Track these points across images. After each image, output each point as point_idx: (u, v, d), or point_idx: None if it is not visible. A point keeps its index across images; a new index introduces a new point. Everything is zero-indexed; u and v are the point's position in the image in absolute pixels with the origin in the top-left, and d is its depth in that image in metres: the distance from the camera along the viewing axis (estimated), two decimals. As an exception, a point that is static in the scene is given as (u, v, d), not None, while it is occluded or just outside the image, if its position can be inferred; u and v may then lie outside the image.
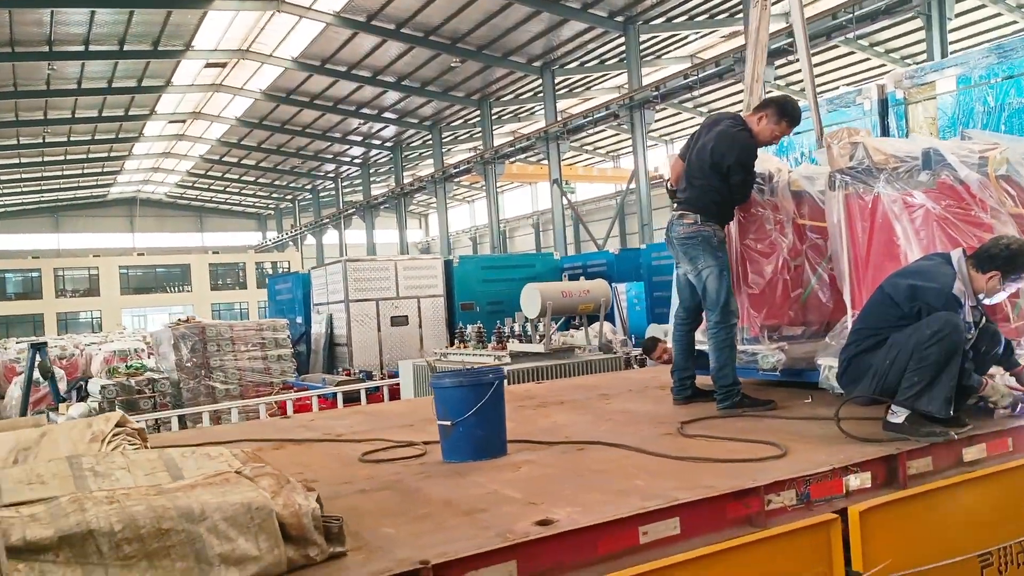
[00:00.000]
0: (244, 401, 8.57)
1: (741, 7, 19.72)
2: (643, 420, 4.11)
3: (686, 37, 24.04)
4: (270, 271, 47.95)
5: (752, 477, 2.77)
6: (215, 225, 55.29)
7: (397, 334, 12.13)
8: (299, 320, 13.84)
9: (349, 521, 2.37)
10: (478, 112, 29.17)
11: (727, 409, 4.14)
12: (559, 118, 24.64)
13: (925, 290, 3.40)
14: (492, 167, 26.27)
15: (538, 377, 6.97)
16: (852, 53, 22.99)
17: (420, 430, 4.19)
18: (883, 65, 24.23)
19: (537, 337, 7.63)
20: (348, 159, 39.16)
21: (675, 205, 4.49)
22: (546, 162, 24.35)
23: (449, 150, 34.22)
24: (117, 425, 2.77)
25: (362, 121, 32.25)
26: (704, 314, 4.38)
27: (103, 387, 9.58)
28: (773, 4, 5.29)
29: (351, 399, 8.53)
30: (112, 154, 38.66)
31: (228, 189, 49.22)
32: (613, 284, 9.45)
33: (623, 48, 22.83)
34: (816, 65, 20.25)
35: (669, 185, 4.79)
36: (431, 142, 32.96)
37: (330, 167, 41.02)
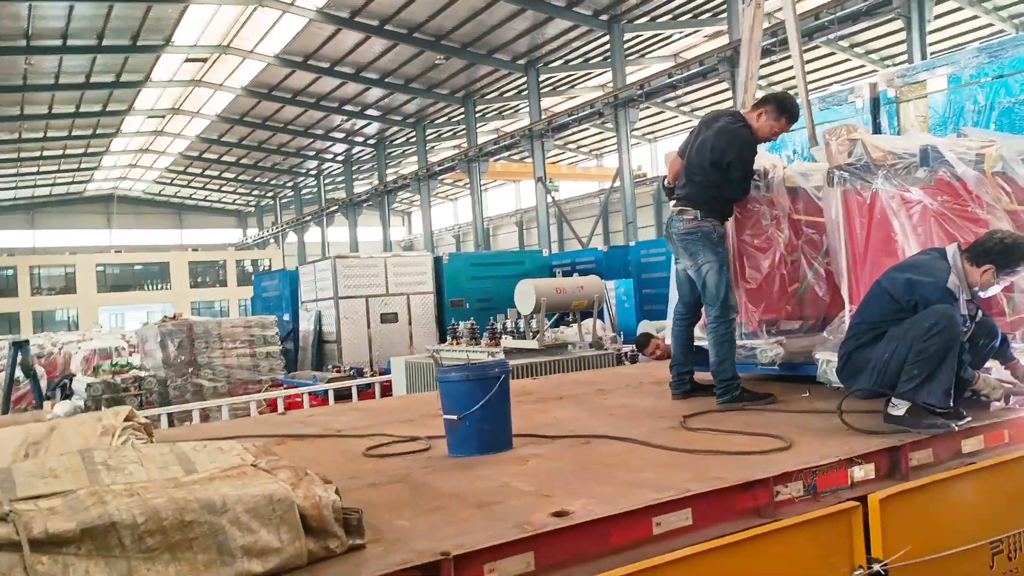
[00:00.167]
0: (234, 399, 8.51)
1: (724, 7, 19.87)
2: (644, 414, 4.13)
3: (670, 36, 24.18)
4: (251, 269, 47.55)
5: (760, 469, 2.80)
6: (195, 222, 54.72)
7: (387, 331, 12.10)
8: (286, 317, 13.76)
9: (363, 514, 2.37)
10: (462, 109, 29.14)
11: (727, 403, 4.17)
12: (543, 116, 24.68)
13: (921, 284, 3.46)
14: (476, 165, 26.25)
15: (532, 373, 6.99)
16: (833, 54, 23.25)
17: (421, 425, 4.18)
18: (863, 66, 24.54)
19: (530, 333, 7.66)
20: (330, 156, 38.95)
21: (674, 202, 4.52)
22: (530, 160, 24.39)
23: (433, 147, 34.15)
24: (125, 419, 2.75)
25: (345, 118, 32.10)
26: (704, 309, 4.42)
27: (89, 385, 9.46)
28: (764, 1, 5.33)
29: (342, 396, 8.50)
30: (89, 150, 38.17)
31: (208, 186, 48.76)
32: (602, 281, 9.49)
33: (607, 47, 22.92)
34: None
35: (666, 183, 4.82)
36: (415, 139, 32.88)
37: (312, 164, 40.77)
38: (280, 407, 7.86)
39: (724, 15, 20.06)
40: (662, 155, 36.03)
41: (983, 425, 3.33)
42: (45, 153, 37.08)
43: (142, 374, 10.15)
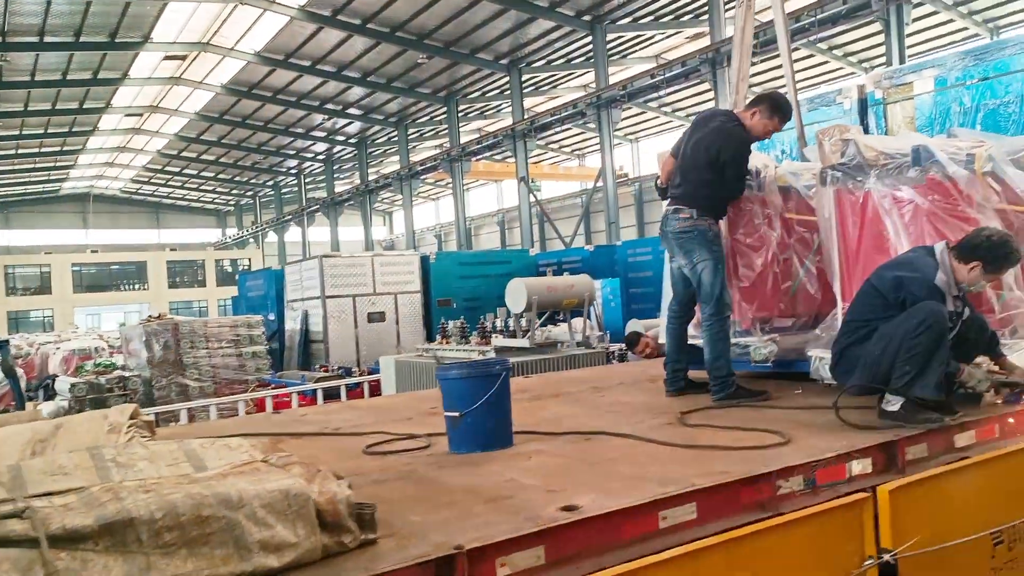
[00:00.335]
0: (222, 399, 8.44)
1: (706, 9, 20.03)
2: (641, 411, 4.16)
3: (652, 37, 24.32)
4: (230, 269, 47.15)
5: (762, 464, 2.84)
6: (173, 222, 54.15)
7: (374, 330, 12.08)
8: (271, 317, 13.68)
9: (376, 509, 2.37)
10: (444, 109, 29.10)
11: (722, 399, 4.22)
12: (526, 116, 24.73)
13: (909, 280, 3.52)
14: (459, 165, 26.26)
15: (523, 371, 7.01)
16: (812, 56, 23.50)
17: (419, 423, 4.19)
18: (841, 68, 24.85)
19: (520, 332, 7.68)
20: (311, 155, 38.74)
21: (668, 200, 4.56)
22: (512, 160, 24.43)
23: (415, 147, 34.08)
24: (130, 417, 2.73)
25: (326, 117, 31.95)
26: (699, 307, 4.46)
27: (73, 385, 9.35)
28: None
29: (331, 396, 8.47)
30: (65, 148, 37.66)
31: (187, 185, 48.27)
32: (589, 280, 9.53)
33: (590, 47, 23.02)
34: (778, 67, 20.68)
35: (659, 182, 4.87)
36: (396, 139, 32.78)
37: (293, 163, 40.52)
38: (269, 407, 7.82)
39: (705, 17, 20.22)
40: (643, 155, 36.00)
41: (975, 420, 3.40)
42: (20, 151, 36.53)
43: (126, 374, 10.05)
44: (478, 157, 26.76)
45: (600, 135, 21.33)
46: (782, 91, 4.78)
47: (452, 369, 3.49)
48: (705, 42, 20.03)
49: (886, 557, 2.50)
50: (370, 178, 34.14)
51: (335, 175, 39.12)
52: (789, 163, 5.19)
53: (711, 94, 19.15)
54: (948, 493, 2.87)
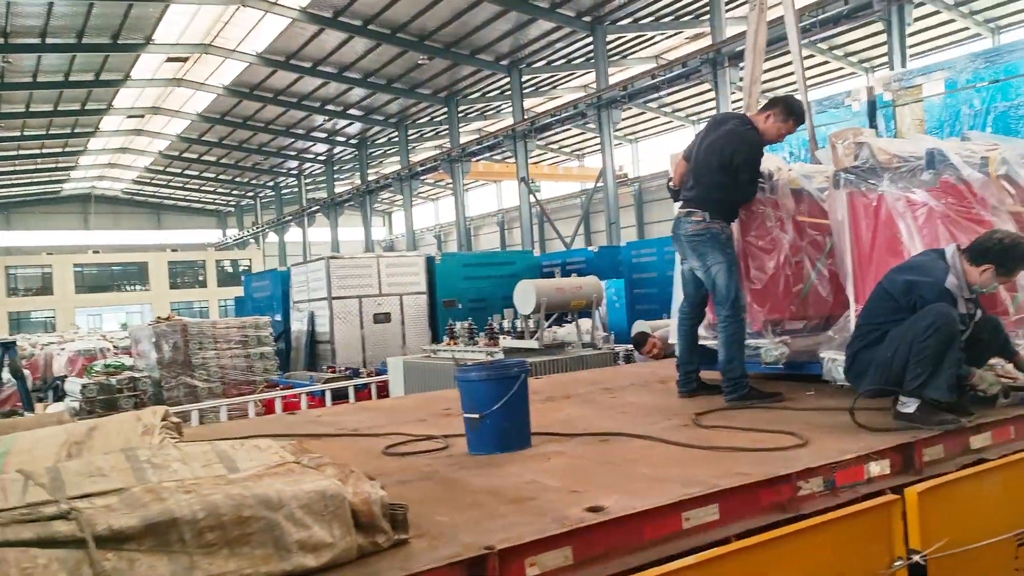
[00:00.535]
0: (233, 399, 8.46)
1: (707, 9, 20.07)
2: (655, 412, 4.19)
3: (652, 38, 24.35)
4: (231, 269, 47.16)
5: (782, 465, 2.87)
6: (174, 222, 54.16)
7: (380, 331, 12.12)
8: (278, 318, 13.71)
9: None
10: (445, 110, 29.12)
11: (736, 401, 4.25)
12: (526, 117, 24.75)
13: (920, 284, 3.55)
14: (459, 165, 26.27)
15: (532, 373, 7.01)
16: (812, 56, 23.53)
17: (435, 424, 4.21)
18: (841, 68, 24.90)
19: (528, 333, 7.71)
20: (312, 156, 38.75)
21: (680, 203, 4.60)
22: (512, 160, 24.45)
23: (415, 148, 34.09)
24: (162, 419, 2.77)
25: (326, 118, 31.97)
26: (713, 309, 4.50)
27: (83, 386, 9.38)
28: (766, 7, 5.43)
29: (339, 397, 8.49)
30: (67, 149, 37.67)
31: (188, 186, 48.28)
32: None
33: (590, 48, 23.04)
34: (781, 67, 20.73)
35: (671, 185, 4.90)
36: (397, 139, 32.79)
37: (293, 164, 40.54)
38: (278, 408, 7.84)
39: (706, 17, 20.28)
40: (644, 156, 35.93)
41: (991, 422, 3.43)
42: (22, 152, 36.53)
43: (136, 375, 10.07)
44: (478, 158, 26.78)
45: (600, 136, 21.35)
46: (793, 93, 4.82)
47: (472, 371, 3.52)
48: (706, 42, 20.07)
49: (916, 558, 2.53)
50: (370, 179, 34.15)
51: (335, 176, 39.14)
52: (801, 166, 5.22)
53: (712, 94, 19.18)
54: (973, 495, 2.91)
